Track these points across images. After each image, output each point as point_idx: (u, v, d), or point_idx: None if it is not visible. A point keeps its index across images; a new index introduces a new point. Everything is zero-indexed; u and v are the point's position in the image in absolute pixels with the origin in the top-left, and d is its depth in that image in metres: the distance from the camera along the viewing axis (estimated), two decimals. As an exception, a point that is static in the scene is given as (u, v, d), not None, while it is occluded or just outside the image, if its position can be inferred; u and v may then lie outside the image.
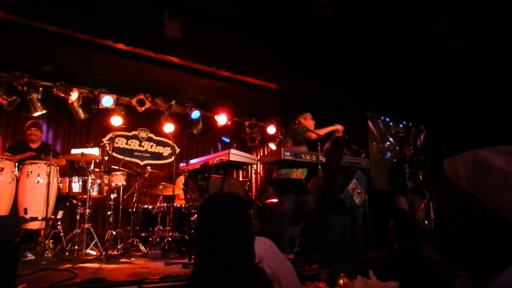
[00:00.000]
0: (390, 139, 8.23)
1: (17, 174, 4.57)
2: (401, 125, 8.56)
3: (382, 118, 8.25)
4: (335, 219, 4.65)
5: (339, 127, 4.94)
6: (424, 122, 8.77)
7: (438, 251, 0.92)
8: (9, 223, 2.53)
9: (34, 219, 4.45)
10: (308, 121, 5.02)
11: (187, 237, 5.78)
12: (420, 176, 6.07)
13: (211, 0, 5.50)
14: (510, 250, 0.80)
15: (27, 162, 4.69)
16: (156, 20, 5.39)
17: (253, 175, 8.20)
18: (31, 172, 4.62)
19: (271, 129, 8.31)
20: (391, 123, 8.36)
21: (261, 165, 8.26)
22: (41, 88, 6.19)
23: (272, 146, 8.44)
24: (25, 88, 6.02)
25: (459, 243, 0.87)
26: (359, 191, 4.90)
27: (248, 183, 6.93)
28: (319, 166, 4.40)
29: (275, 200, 5.88)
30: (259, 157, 7.96)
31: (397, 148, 8.08)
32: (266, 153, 8.55)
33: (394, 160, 7.37)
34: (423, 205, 5.66)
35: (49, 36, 5.02)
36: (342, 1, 5.77)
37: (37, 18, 4.72)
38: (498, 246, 0.81)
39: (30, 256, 4.30)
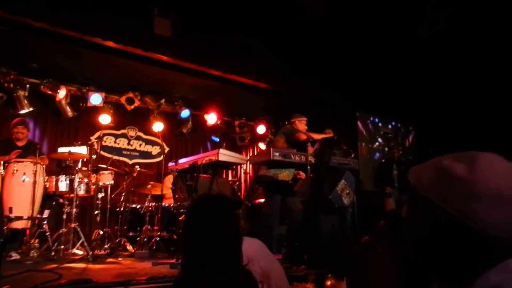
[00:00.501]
0: (379, 139, 8.28)
1: (2, 173, 4.50)
2: (390, 126, 8.61)
3: (371, 118, 8.30)
4: (324, 219, 4.66)
5: (330, 133, 4.98)
6: (412, 123, 8.84)
7: (411, 260, 0.91)
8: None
9: (19, 218, 4.38)
10: (302, 125, 5.05)
11: (175, 237, 5.74)
12: (394, 174, 6.10)
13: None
14: (478, 258, 0.79)
15: (12, 161, 4.62)
16: (146, 18, 5.34)
17: (243, 175, 8.18)
18: (16, 170, 4.55)
19: (261, 129, 8.30)
20: (380, 124, 8.41)
21: (250, 165, 8.25)
22: (28, 85, 6.09)
23: (262, 145, 8.43)
24: (11, 85, 5.92)
25: (427, 252, 0.86)
26: (347, 191, 4.91)
27: (237, 183, 6.92)
28: (308, 167, 4.40)
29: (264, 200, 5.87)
30: (248, 157, 7.96)
31: (386, 149, 8.13)
32: (255, 153, 8.55)
33: (383, 161, 7.41)
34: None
35: (36, 32, 4.94)
36: (335, 2, 5.81)
37: (23, 14, 4.64)
38: (466, 255, 0.81)
39: (15, 256, 4.23)
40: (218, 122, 7.90)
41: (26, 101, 6.06)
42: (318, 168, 4.53)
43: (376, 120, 8.34)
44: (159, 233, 5.55)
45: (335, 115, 7.31)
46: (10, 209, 4.34)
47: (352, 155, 5.44)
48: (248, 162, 6.68)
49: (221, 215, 1.70)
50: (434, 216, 0.83)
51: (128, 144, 7.30)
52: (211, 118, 7.71)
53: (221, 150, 4.33)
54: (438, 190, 0.83)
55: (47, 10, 4.71)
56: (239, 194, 6.83)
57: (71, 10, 4.85)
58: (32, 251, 4.42)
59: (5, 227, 4.26)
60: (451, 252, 0.82)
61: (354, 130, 7.81)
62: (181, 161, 4.79)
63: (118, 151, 7.08)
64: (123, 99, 6.86)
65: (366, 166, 7.77)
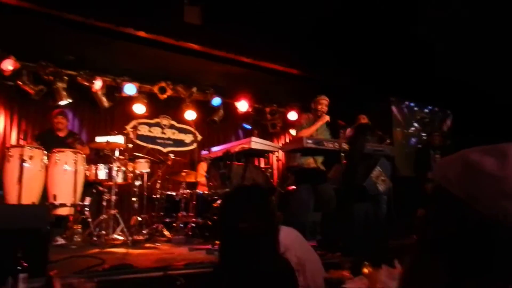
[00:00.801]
0: (415, 124, 8.08)
1: (46, 163, 4.70)
2: (426, 110, 8.38)
3: (406, 103, 8.09)
4: (358, 206, 4.62)
5: (326, 118, 4.85)
6: (450, 106, 8.56)
7: (434, 259, 0.86)
8: (39, 211, 2.61)
9: (63, 205, 4.59)
10: (321, 106, 4.95)
11: (209, 223, 5.84)
12: (437, 158, 5.94)
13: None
14: (509, 257, 0.74)
15: (54, 151, 4.81)
16: (176, 7, 5.39)
17: (275, 162, 8.19)
18: (58, 160, 4.74)
19: (293, 115, 8.26)
20: (415, 108, 8.19)
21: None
22: (66, 77, 6.29)
23: (293, 132, 8.40)
24: (51, 77, 6.14)
25: (454, 252, 0.80)
26: (383, 178, 4.84)
27: (270, 170, 6.93)
28: (342, 154, 4.36)
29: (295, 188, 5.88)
30: (280, 144, 7.96)
31: (423, 134, 7.95)
32: (287, 140, 8.54)
33: (419, 146, 7.24)
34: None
35: (71, 25, 5.10)
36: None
37: (58, 7, 4.80)
38: (497, 254, 0.75)
39: (60, 241, 4.43)
40: (249, 110, 7.91)
41: (64, 93, 6.27)
42: (351, 155, 4.48)
43: (412, 104, 8.13)
44: (194, 219, 5.66)
45: (368, 100, 7.18)
46: (54, 197, 4.55)
47: (388, 141, 5.35)
48: (280, 150, 6.66)
49: (256, 207, 1.72)
50: (462, 215, 0.78)
51: (162, 132, 7.44)
52: (242, 106, 7.74)
53: (254, 138, 4.36)
54: (466, 187, 0.78)
55: (81, 3, 4.84)
56: (271, 181, 6.85)
57: (103, 2, 4.96)
58: (76, 236, 4.64)
59: (50, 214, 4.46)
60: (480, 252, 0.77)
61: (389, 115, 7.65)
62: (214, 149, 4.85)
63: (153, 139, 7.24)
64: (155, 89, 6.99)
65: (402, 152, 7.62)
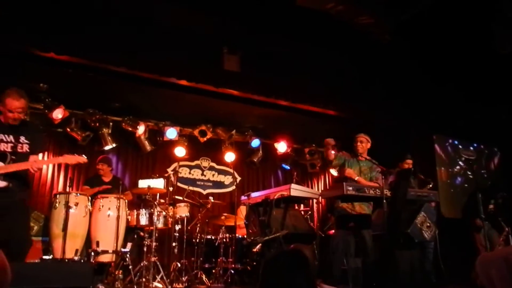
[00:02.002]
0: (460, 163, 7.75)
1: (90, 208, 4.85)
2: (471, 148, 8.05)
3: (450, 141, 7.82)
4: (403, 255, 4.42)
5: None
6: (497, 143, 8.19)
7: None
8: (83, 269, 2.66)
9: (105, 252, 4.67)
10: (355, 143, 4.90)
11: (249, 268, 5.76)
12: (490, 208, 5.55)
13: (267, 34, 5.58)
14: None
15: (98, 197, 4.97)
16: (215, 56, 5.57)
17: (315, 205, 8.05)
18: (102, 206, 4.88)
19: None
20: (460, 146, 7.89)
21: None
22: (111, 123, 6.56)
23: (333, 172, 8.27)
24: (97, 124, 6.43)
25: None
26: (428, 224, 4.63)
27: (309, 213, 6.82)
28: (384, 201, 4.21)
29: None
30: (321, 187, 7.86)
31: (469, 173, 7.61)
32: (327, 179, 8.43)
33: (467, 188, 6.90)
34: (501, 239, 5.21)
35: (117, 76, 5.38)
36: (401, 25, 5.65)
37: (107, 61, 5.10)
38: None
39: (101, 288, 4.49)
40: (288, 150, 7.90)
41: (109, 138, 6.53)
42: (394, 201, 4.34)
43: (456, 142, 7.84)
44: (233, 265, 5.60)
45: (410, 139, 7.00)
46: (98, 243, 4.66)
47: (431, 185, 5.15)
48: (320, 197, 6.52)
49: (296, 273, 1.70)
50: None
51: (202, 174, 7.55)
52: (281, 147, 7.75)
53: (293, 185, 4.32)
54: None
55: (127, 56, 5.10)
56: (312, 224, 6.73)
57: (148, 54, 5.21)
58: (117, 282, 4.68)
59: (93, 260, 4.55)
60: None
61: (432, 155, 7.40)
62: (254, 195, 4.84)
63: (193, 182, 7.34)
64: (196, 132, 7.15)
65: (447, 192, 7.31)
